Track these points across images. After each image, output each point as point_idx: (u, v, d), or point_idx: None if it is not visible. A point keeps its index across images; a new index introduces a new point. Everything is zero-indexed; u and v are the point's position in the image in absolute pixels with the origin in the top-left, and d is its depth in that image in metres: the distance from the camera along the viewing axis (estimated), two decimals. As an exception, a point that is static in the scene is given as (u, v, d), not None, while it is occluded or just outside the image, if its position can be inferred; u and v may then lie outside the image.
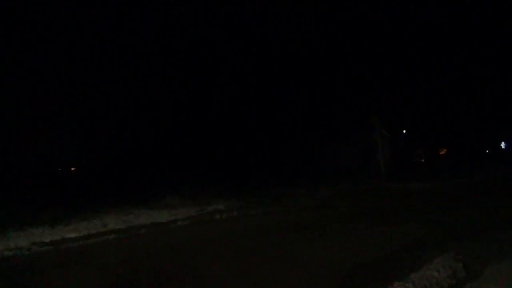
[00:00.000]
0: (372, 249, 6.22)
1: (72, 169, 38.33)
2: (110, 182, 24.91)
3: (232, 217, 11.00)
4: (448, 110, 34.32)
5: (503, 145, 40.42)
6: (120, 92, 31.29)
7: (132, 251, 7.23)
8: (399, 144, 33.05)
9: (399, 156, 28.80)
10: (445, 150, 41.41)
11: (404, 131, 34.60)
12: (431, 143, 38.38)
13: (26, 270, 6.33)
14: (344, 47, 31.19)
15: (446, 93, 33.59)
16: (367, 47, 31.66)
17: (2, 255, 7.52)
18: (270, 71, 30.91)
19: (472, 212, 9.34)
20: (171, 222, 10.53)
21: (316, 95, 30.36)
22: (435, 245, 6.13)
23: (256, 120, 30.32)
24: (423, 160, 36.56)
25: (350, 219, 9.30)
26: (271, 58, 31.31)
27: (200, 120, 30.99)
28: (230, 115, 30.67)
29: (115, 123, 31.02)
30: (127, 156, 31.25)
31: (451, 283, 4.57)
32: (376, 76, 30.34)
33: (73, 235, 9.10)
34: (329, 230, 8.02)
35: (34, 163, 30.22)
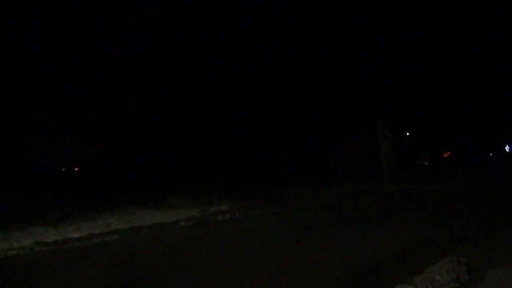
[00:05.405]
0: (374, 251, 6.20)
1: (75, 169, 38.48)
2: (113, 182, 24.97)
3: (235, 218, 11.00)
4: (452, 113, 34.17)
5: (507, 148, 40.23)
6: (123, 91, 31.31)
7: (134, 251, 7.23)
8: (403, 146, 32.95)
9: (402, 158, 28.71)
10: (449, 152, 41.25)
11: (407, 133, 34.49)
12: (435, 145, 38.24)
13: (29, 270, 6.35)
14: (348, 48, 31.07)
15: (451, 96, 33.44)
16: (372, 48, 31.56)
17: (5, 254, 7.55)
18: (274, 71, 30.85)
19: (475, 214, 9.29)
20: (173, 222, 10.54)
21: (320, 96, 30.30)
22: (438, 248, 6.10)
23: (259, 120, 30.31)
24: (426, 163, 36.43)
25: (352, 221, 9.28)
26: (274, 59, 31.29)
27: (203, 120, 31.01)
28: (234, 115, 30.69)
29: (118, 123, 31.08)
30: (130, 156, 31.33)
31: (454, 287, 4.54)
32: (380, 77, 30.23)
33: (76, 235, 9.12)
34: (331, 231, 8.00)
35: (38, 162, 30.36)
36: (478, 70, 33.68)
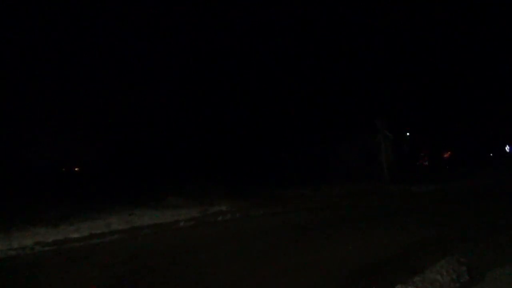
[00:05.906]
0: (375, 251, 6.20)
1: (75, 169, 38.42)
2: (113, 182, 24.97)
3: (235, 218, 10.99)
4: (452, 113, 34.17)
5: (507, 148, 40.25)
6: (123, 91, 31.29)
7: (134, 251, 7.24)
8: (403, 146, 32.92)
9: (402, 158, 28.68)
10: (449, 152, 41.24)
11: (407, 133, 34.47)
12: (435, 145, 38.23)
13: (29, 270, 6.35)
14: (348, 48, 31.04)
15: (451, 96, 33.46)
16: (372, 48, 31.55)
17: (5, 254, 7.55)
18: (274, 71, 30.84)
19: (475, 214, 9.29)
20: (173, 223, 10.54)
21: (320, 96, 30.30)
22: (438, 248, 6.10)
23: (259, 120, 30.31)
24: (426, 163, 36.41)
25: (353, 221, 9.28)
26: (275, 59, 31.27)
27: (203, 120, 31.01)
28: (234, 115, 30.69)
29: (118, 123, 31.09)
30: (130, 156, 31.32)
31: (454, 287, 4.54)
32: (380, 77, 30.22)
33: (76, 235, 9.12)
34: (331, 231, 8.00)
35: (38, 162, 30.33)
36: (478, 70, 33.67)
